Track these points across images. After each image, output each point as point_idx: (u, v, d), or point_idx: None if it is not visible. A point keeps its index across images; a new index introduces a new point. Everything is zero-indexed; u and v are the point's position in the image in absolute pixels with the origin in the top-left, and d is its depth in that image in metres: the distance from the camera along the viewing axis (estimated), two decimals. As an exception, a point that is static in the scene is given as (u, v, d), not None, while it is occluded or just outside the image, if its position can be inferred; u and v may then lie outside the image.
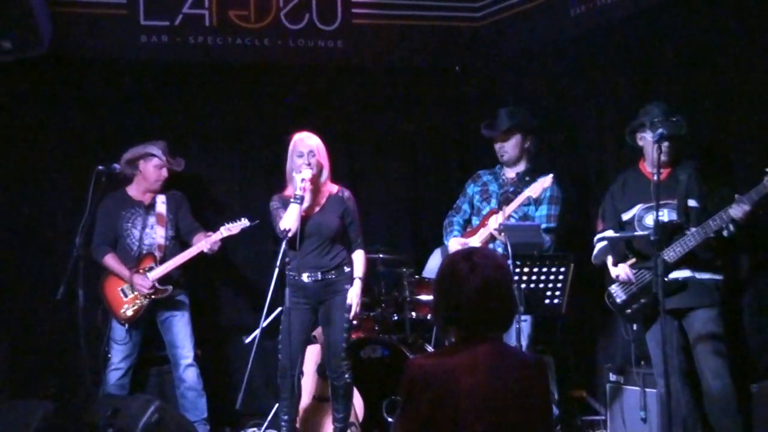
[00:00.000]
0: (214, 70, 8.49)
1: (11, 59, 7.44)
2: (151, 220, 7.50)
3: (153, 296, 7.31)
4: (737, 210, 5.78)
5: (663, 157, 6.03)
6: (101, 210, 7.39)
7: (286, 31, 8.49)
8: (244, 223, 7.32)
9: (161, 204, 7.56)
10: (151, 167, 7.53)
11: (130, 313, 7.31)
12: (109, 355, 7.34)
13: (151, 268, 7.32)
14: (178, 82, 8.43)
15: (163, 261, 7.38)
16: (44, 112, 8.08)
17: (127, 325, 7.34)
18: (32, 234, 8.03)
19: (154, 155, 7.51)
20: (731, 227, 5.88)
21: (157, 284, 7.30)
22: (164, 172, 7.57)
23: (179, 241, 7.61)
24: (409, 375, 3.55)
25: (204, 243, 7.32)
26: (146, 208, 7.55)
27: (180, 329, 7.46)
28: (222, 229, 7.33)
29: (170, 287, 7.35)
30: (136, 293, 7.30)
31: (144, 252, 7.42)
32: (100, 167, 6.76)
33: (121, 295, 7.33)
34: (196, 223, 7.69)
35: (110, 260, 7.40)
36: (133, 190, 7.61)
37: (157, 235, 7.46)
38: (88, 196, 6.62)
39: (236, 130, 8.59)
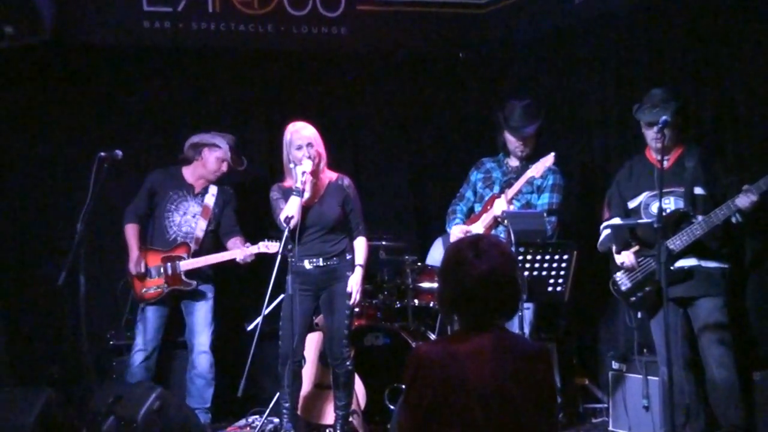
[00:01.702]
0: (216, 56, 8.48)
1: (14, 45, 7.42)
2: (196, 209, 7.51)
3: (175, 288, 7.35)
4: (744, 200, 5.75)
5: (655, 144, 6.06)
6: (149, 179, 7.51)
7: (289, 17, 8.47)
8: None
9: (211, 196, 7.56)
10: (214, 157, 7.52)
11: (150, 293, 7.36)
12: (132, 331, 7.49)
13: (181, 258, 7.34)
14: (180, 68, 8.42)
15: (196, 254, 7.39)
16: (47, 98, 8.07)
17: (142, 305, 7.39)
18: (34, 220, 8.04)
19: (219, 147, 7.50)
20: (738, 216, 5.86)
21: (183, 276, 7.32)
22: (224, 166, 7.54)
23: (216, 235, 7.61)
24: (414, 362, 3.54)
25: (240, 252, 7.31)
26: (195, 195, 7.55)
27: (200, 316, 7.49)
28: (261, 244, 7.27)
29: (194, 282, 7.38)
30: (161, 277, 7.33)
31: (179, 240, 7.43)
32: (102, 153, 6.76)
33: (148, 273, 7.37)
34: (237, 225, 7.66)
35: (129, 231, 7.45)
36: (188, 173, 7.61)
37: (198, 227, 7.47)
38: (90, 183, 6.62)
39: (238, 116, 8.58)
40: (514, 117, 7.12)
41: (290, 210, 6.40)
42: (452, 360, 3.47)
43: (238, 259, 7.33)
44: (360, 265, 6.75)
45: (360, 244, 6.82)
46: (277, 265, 6.29)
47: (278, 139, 6.89)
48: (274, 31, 8.46)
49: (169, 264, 7.35)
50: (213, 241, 7.58)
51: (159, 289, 7.36)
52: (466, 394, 3.42)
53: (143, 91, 8.29)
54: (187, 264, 7.35)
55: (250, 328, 7.54)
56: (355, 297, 6.68)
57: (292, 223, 6.35)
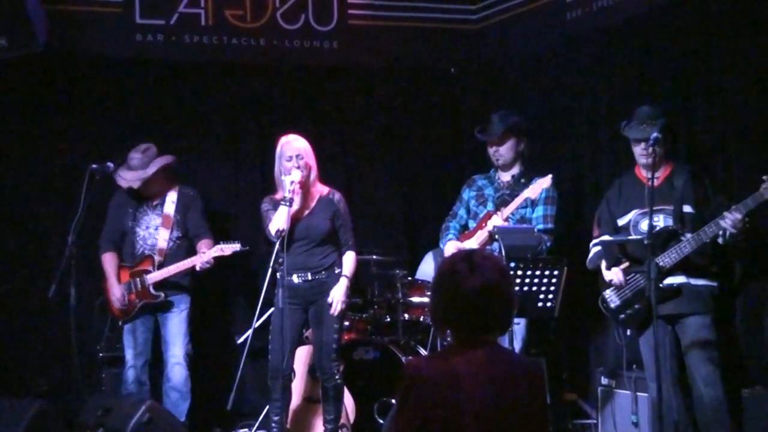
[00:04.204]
0: (209, 70, 8.50)
1: (7, 57, 7.42)
2: (157, 220, 7.43)
3: (145, 301, 7.29)
4: (731, 218, 5.76)
5: (645, 159, 6.09)
6: (111, 204, 7.46)
7: (281, 31, 8.52)
8: (236, 246, 7.20)
9: (170, 204, 7.45)
10: None
11: (123, 311, 7.30)
12: (109, 351, 7.43)
13: (147, 272, 7.28)
14: (173, 81, 8.42)
15: (161, 265, 7.31)
16: (39, 111, 8.07)
17: (120, 322, 7.35)
18: (25, 232, 8.02)
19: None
20: (726, 234, 5.87)
21: (151, 290, 7.27)
22: (130, 185, 7.39)
23: (187, 240, 7.53)
24: (407, 376, 3.51)
25: (197, 259, 7.24)
26: (154, 207, 7.47)
27: (174, 326, 7.39)
28: (216, 248, 7.21)
29: (162, 294, 7.29)
30: (131, 293, 7.28)
31: (146, 253, 7.38)
32: (94, 166, 6.76)
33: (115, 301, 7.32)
34: (204, 227, 7.55)
35: (106, 260, 7.40)
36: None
37: (160, 237, 7.38)
38: (82, 195, 6.62)
39: (230, 130, 8.58)
40: (488, 122, 7.18)
41: (279, 221, 6.41)
42: (445, 375, 3.46)
43: (197, 267, 7.26)
44: (346, 276, 6.75)
45: (348, 258, 6.82)
46: (268, 278, 6.29)
47: (270, 152, 6.90)
48: (266, 45, 8.49)
49: (137, 279, 7.28)
50: (185, 248, 7.48)
51: (130, 305, 7.30)
52: (459, 409, 3.41)
53: (135, 104, 8.29)
54: (152, 276, 7.26)
55: (240, 341, 7.54)
56: (336, 307, 6.67)
57: (283, 233, 6.36)
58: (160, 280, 7.28)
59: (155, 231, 7.41)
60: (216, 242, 7.36)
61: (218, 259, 7.26)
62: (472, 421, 3.41)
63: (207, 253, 7.22)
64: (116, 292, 7.29)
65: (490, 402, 3.43)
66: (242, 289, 8.28)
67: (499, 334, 3.72)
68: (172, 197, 7.49)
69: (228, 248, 7.22)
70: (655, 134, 5.89)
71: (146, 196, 7.46)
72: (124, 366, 7.38)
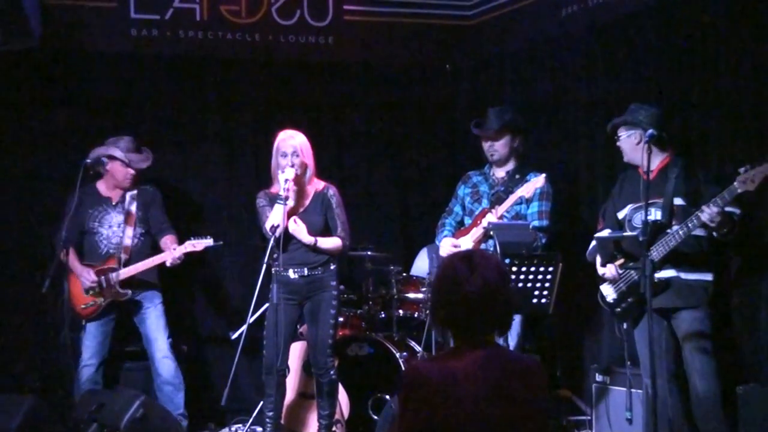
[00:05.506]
0: (203, 65, 8.48)
1: (2, 51, 7.40)
2: (119, 218, 7.38)
3: (112, 299, 7.24)
4: (708, 212, 5.73)
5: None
6: (67, 205, 7.27)
7: (277, 26, 8.50)
8: (209, 241, 7.19)
9: (131, 200, 7.41)
10: (118, 166, 7.36)
11: (88, 309, 7.24)
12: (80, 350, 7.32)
13: (113, 270, 7.23)
14: (167, 76, 8.40)
15: (127, 263, 7.27)
16: (33, 105, 8.04)
17: (84, 321, 7.28)
18: (19, 227, 7.99)
19: (116, 157, 7.35)
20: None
21: (118, 287, 7.23)
22: (130, 171, 7.39)
23: (149, 237, 7.51)
24: (408, 379, 3.51)
25: (168, 255, 7.22)
26: (114, 206, 7.43)
27: (152, 322, 7.38)
28: (187, 243, 7.19)
29: (129, 292, 7.24)
30: (96, 292, 7.24)
31: (111, 252, 7.33)
32: (88, 161, 6.76)
33: (83, 291, 7.26)
34: (166, 222, 7.54)
35: (66, 256, 7.27)
36: (102, 186, 7.47)
37: (125, 235, 7.34)
38: (75, 190, 6.60)
39: (225, 125, 8.56)
40: (484, 117, 7.18)
41: (275, 218, 6.43)
42: (445, 377, 3.45)
43: (167, 263, 7.23)
44: (315, 240, 6.68)
45: (331, 239, 6.79)
46: (263, 273, 6.29)
47: (264, 147, 6.90)
48: (261, 40, 8.48)
49: (102, 277, 7.23)
50: (149, 244, 7.48)
51: (95, 305, 7.24)
52: (460, 411, 3.41)
53: (130, 99, 8.27)
54: (120, 274, 7.21)
55: (234, 336, 7.53)
56: (292, 224, 6.62)
57: (278, 231, 6.37)
58: (128, 277, 7.25)
59: (119, 229, 7.37)
60: (180, 237, 7.36)
61: (189, 255, 7.23)
62: (473, 422, 3.41)
63: (178, 249, 7.20)
64: (88, 275, 7.23)
65: (490, 403, 3.42)
66: (237, 285, 8.27)
67: (499, 334, 3.72)
68: (131, 194, 7.46)
69: (200, 244, 7.21)
70: (650, 132, 5.88)
71: (111, 193, 7.45)
72: (78, 363, 7.28)
